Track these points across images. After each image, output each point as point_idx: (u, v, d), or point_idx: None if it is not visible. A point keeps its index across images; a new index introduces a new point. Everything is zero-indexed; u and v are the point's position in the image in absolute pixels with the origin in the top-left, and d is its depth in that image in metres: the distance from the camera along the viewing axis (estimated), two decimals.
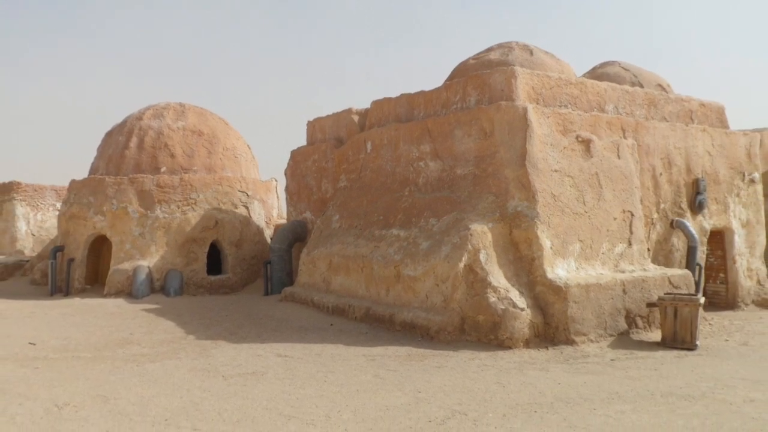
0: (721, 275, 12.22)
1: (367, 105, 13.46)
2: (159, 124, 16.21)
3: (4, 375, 6.71)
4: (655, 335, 8.85)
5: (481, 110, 9.82)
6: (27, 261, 18.44)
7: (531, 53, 11.62)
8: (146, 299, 13.42)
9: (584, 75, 13.35)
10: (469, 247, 8.73)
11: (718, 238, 12.23)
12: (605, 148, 10.06)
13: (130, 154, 15.71)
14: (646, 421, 5.08)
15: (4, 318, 11.00)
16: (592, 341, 8.36)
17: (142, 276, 13.83)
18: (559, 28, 69.01)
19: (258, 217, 16.44)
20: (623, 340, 8.61)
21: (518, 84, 9.86)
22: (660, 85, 12.77)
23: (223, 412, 5.39)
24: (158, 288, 14.14)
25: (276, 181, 18.14)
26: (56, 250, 15.02)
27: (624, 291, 9.01)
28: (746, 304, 11.98)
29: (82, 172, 31.15)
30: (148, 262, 14.27)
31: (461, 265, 8.64)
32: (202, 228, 14.97)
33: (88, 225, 14.77)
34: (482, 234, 8.88)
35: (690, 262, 10.92)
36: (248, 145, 18.05)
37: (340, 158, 13.35)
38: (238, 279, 15.30)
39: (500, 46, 12.05)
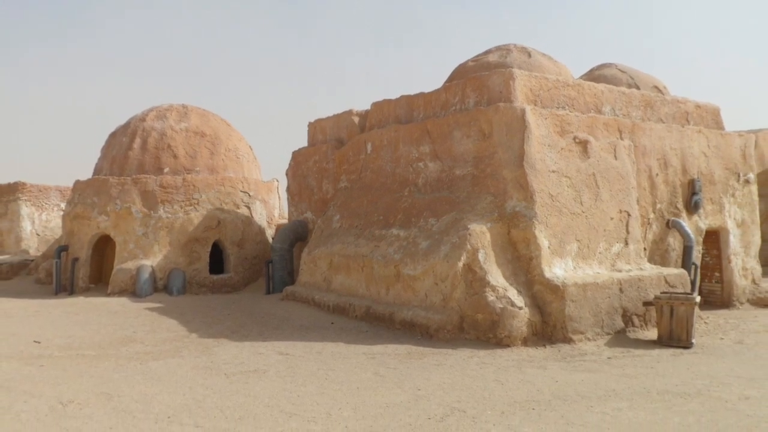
0: (717, 274, 12.22)
1: (367, 106, 13.48)
2: (162, 125, 16.21)
3: (10, 373, 6.71)
4: (652, 334, 8.85)
5: (479, 112, 9.82)
6: (32, 260, 18.45)
7: (529, 55, 11.62)
8: (149, 298, 13.42)
9: (581, 77, 13.35)
10: (468, 246, 8.73)
11: (714, 238, 12.23)
12: (602, 149, 10.06)
13: (134, 155, 15.71)
14: (642, 418, 5.09)
15: (10, 317, 11.00)
16: (589, 339, 8.37)
17: (146, 275, 13.84)
18: (557, 31, 69.03)
19: (260, 217, 16.44)
20: (620, 338, 8.62)
21: (516, 86, 9.86)
22: (656, 87, 12.78)
23: (225, 409, 5.39)
24: (161, 287, 14.15)
25: (277, 181, 18.15)
26: (61, 249, 15.02)
27: (621, 290, 9.01)
28: (741, 303, 11.98)
29: (86, 173, 31.16)
30: (152, 261, 14.28)
31: (460, 264, 8.64)
32: (204, 228, 14.98)
33: (92, 225, 14.77)
34: (481, 234, 8.88)
35: (686, 262, 10.93)
36: (250, 146, 18.05)
37: (341, 159, 13.35)
38: (240, 278, 15.31)
39: (498, 48, 12.05)
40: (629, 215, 10.08)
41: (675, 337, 8.27)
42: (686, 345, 8.15)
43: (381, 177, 11.78)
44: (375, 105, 12.89)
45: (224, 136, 16.82)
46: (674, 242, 11.22)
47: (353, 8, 72.26)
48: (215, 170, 16.12)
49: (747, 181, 12.67)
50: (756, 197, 12.88)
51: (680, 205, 11.44)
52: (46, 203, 23.42)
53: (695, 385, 6.11)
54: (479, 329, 8.33)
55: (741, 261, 12.29)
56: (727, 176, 12.31)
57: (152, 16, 68.46)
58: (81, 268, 14.69)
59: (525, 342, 8.13)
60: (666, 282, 9.56)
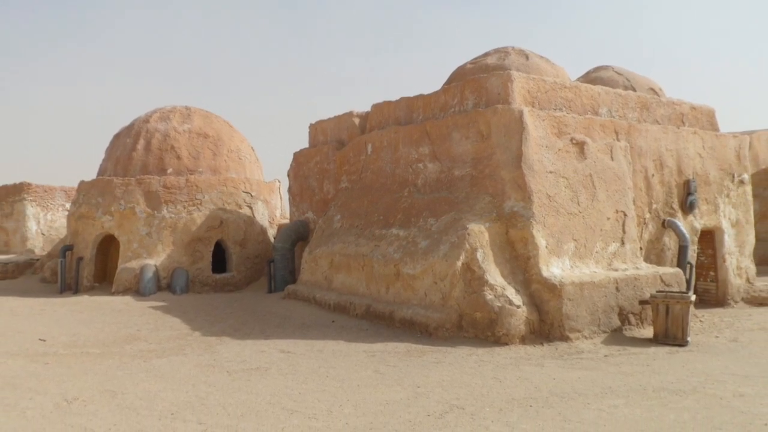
0: (712, 273, 12.21)
1: (367, 108, 13.47)
2: (165, 126, 16.21)
3: (15, 370, 6.71)
4: (648, 332, 8.85)
5: (478, 113, 9.82)
6: (37, 260, 18.43)
7: (527, 58, 11.61)
8: (153, 297, 13.42)
9: (578, 79, 13.35)
10: (467, 246, 8.73)
11: (709, 238, 12.22)
12: (599, 150, 10.06)
13: (138, 156, 15.71)
14: (638, 415, 5.08)
15: (15, 315, 11.00)
16: (586, 338, 8.36)
17: (149, 274, 13.83)
18: (554, 34, 69.02)
19: (262, 217, 16.44)
20: (616, 336, 8.62)
21: (514, 88, 9.86)
22: (652, 89, 12.77)
23: (227, 406, 5.39)
24: (165, 286, 14.14)
25: (279, 182, 18.14)
26: (65, 249, 15.02)
27: (617, 289, 9.00)
28: (736, 302, 11.98)
29: (90, 174, 31.14)
30: (155, 260, 14.27)
31: (459, 263, 8.64)
32: (207, 228, 14.97)
33: (96, 225, 14.77)
34: (479, 233, 8.88)
35: (681, 261, 10.92)
36: (252, 147, 18.04)
37: (342, 160, 13.34)
38: (243, 277, 15.30)
39: (497, 50, 12.04)
40: (625, 215, 10.08)
41: (671, 335, 8.27)
42: (682, 343, 8.15)
43: (381, 177, 11.77)
44: (375, 107, 12.89)
45: (227, 138, 16.82)
46: (670, 242, 11.22)
47: (354, 12, 72.27)
48: (218, 171, 16.11)
49: (741, 182, 12.67)
50: (750, 197, 12.88)
51: (676, 205, 11.43)
52: (51, 203, 23.42)
53: (690, 383, 6.11)
54: (478, 327, 8.33)
55: (735, 260, 12.29)
56: (721, 177, 12.31)
57: (156, 19, 68.47)
58: (85, 267, 14.69)
59: (523, 340, 8.13)
60: (662, 281, 9.56)
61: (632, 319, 9.03)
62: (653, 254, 10.98)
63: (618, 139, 10.52)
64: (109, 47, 65.95)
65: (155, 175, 15.23)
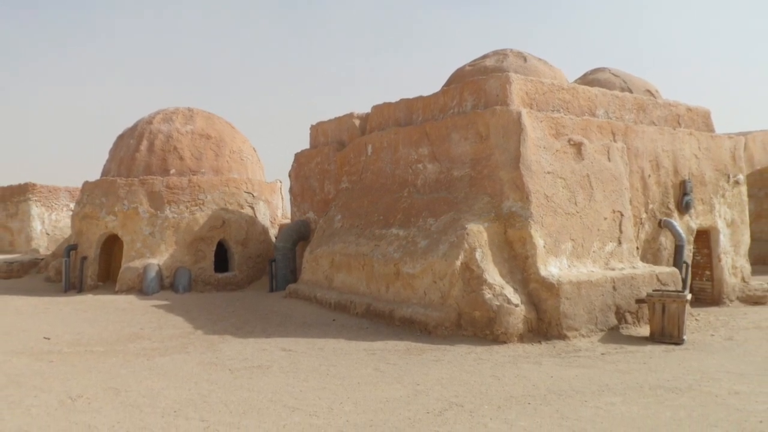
0: (707, 273, 12.21)
1: (367, 109, 13.46)
2: (168, 127, 16.21)
3: (20, 368, 6.71)
4: (644, 330, 8.85)
5: (477, 115, 9.82)
6: (42, 259, 18.43)
7: (525, 60, 11.60)
8: (156, 296, 13.42)
9: (576, 81, 13.34)
10: (466, 245, 8.73)
11: (704, 237, 12.22)
12: (596, 150, 10.06)
13: (141, 157, 15.70)
14: (635, 412, 5.08)
15: (20, 313, 11.00)
16: (583, 336, 8.36)
17: (152, 273, 13.83)
18: (552, 36, 69.00)
19: (263, 217, 16.43)
20: (613, 334, 8.62)
21: (513, 89, 9.85)
22: (648, 91, 12.77)
23: (229, 403, 5.39)
24: (167, 285, 14.14)
25: (280, 182, 18.14)
26: (70, 248, 15.01)
27: (614, 288, 9.00)
28: (731, 301, 11.98)
29: (94, 174, 31.13)
30: (158, 260, 14.27)
31: (458, 263, 8.64)
32: (209, 227, 14.97)
33: (100, 225, 14.77)
34: (478, 233, 8.88)
35: (677, 260, 10.92)
36: (254, 148, 18.04)
37: (342, 161, 13.34)
38: (244, 276, 15.30)
39: (495, 53, 12.04)
40: (622, 215, 10.08)
41: (667, 333, 8.27)
42: (678, 341, 8.15)
43: (381, 178, 11.77)
44: (375, 108, 12.89)
45: (229, 139, 16.81)
46: (666, 241, 11.22)
47: (354, 14, 72.25)
48: (220, 171, 16.11)
49: (737, 182, 12.67)
50: (745, 198, 12.88)
51: (672, 206, 11.43)
52: (55, 203, 23.42)
53: (686, 381, 6.11)
54: (476, 326, 8.33)
55: (731, 260, 12.29)
56: (717, 177, 12.31)
57: (159, 21, 68.46)
58: (89, 266, 14.69)
59: (521, 338, 8.13)
60: (658, 280, 9.56)
61: (629, 317, 9.03)
62: (650, 254, 10.98)
63: (615, 140, 10.52)
64: (112, 49, 65.95)
65: (158, 176, 15.22)
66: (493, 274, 8.61)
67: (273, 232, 16.55)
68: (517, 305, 8.21)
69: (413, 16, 71.55)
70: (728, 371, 6.53)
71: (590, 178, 9.82)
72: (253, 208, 16.12)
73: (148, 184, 14.85)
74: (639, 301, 8.97)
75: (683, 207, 11.53)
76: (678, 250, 11.03)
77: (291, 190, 15.77)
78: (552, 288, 8.44)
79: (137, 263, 14.12)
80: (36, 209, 22.68)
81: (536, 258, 8.76)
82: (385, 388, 5.88)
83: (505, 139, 9.38)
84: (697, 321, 9.88)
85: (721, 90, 58.66)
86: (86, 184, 15.62)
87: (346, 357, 7.32)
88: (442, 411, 5.16)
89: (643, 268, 9.77)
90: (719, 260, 12.09)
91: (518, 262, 8.98)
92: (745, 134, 13.37)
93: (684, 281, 10.25)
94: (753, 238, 13.86)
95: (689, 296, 8.54)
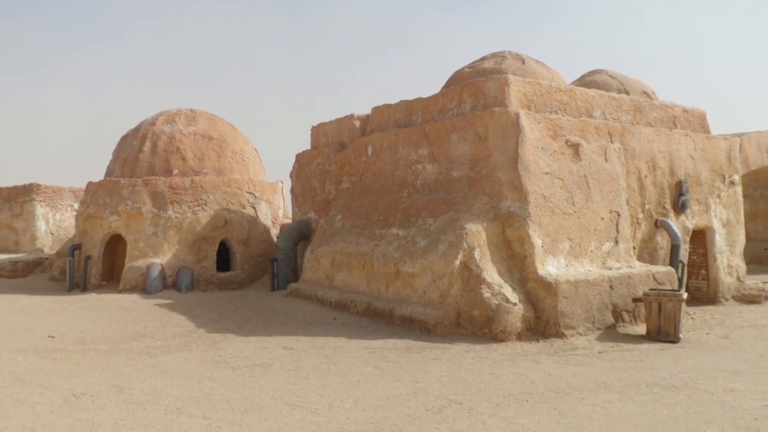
0: (703, 272, 12.21)
1: (368, 111, 13.46)
2: (171, 129, 16.21)
3: (25, 366, 6.71)
4: (641, 329, 8.85)
5: (475, 116, 9.82)
6: (46, 258, 18.44)
7: (523, 62, 11.61)
8: (159, 295, 13.42)
9: (573, 82, 13.34)
10: (465, 245, 8.73)
11: (700, 237, 12.22)
12: (593, 151, 10.06)
13: (144, 158, 15.70)
14: (631, 409, 5.09)
15: (25, 312, 11.00)
16: (580, 334, 8.36)
17: (155, 273, 13.83)
18: (550, 38, 68.99)
19: (265, 217, 16.43)
20: (610, 333, 8.62)
21: (511, 91, 9.86)
22: (645, 92, 12.76)
23: (231, 401, 5.39)
24: (170, 284, 14.14)
25: (282, 183, 18.14)
26: (74, 248, 15.01)
27: (611, 287, 9.00)
28: (726, 300, 11.97)
29: (98, 175, 31.15)
30: (161, 259, 14.27)
31: (457, 262, 8.64)
32: (212, 227, 14.97)
33: (104, 224, 14.77)
34: (477, 233, 8.88)
35: (673, 260, 10.92)
36: (255, 149, 18.04)
37: (343, 161, 13.34)
38: (246, 275, 15.30)
39: (494, 55, 12.04)
40: (619, 215, 10.08)
41: (663, 332, 8.27)
42: (674, 340, 8.15)
43: (381, 178, 11.77)
44: (375, 109, 12.89)
45: (231, 140, 16.81)
46: (662, 241, 11.22)
47: (355, 17, 72.25)
48: (222, 172, 16.11)
49: (732, 183, 12.67)
50: (741, 198, 12.88)
51: (668, 206, 11.43)
52: (59, 204, 23.42)
53: (682, 378, 6.11)
54: (475, 324, 8.33)
55: (726, 259, 12.29)
56: (713, 178, 12.31)
57: (161, 24, 68.45)
58: (93, 265, 14.69)
59: (519, 337, 8.13)
60: (654, 279, 9.56)
61: (626, 316, 9.03)
62: (646, 253, 10.98)
63: (612, 141, 10.52)
64: (115, 51, 65.96)
65: (161, 176, 15.22)
66: (491, 274, 8.61)
67: (274, 232, 16.55)
68: (515, 304, 8.22)
69: (413, 18, 71.55)
70: (724, 369, 6.53)
71: (587, 179, 9.82)
72: (254, 208, 16.12)
73: (152, 185, 14.85)
74: (636, 300, 8.97)
75: (679, 207, 11.53)
76: (674, 249, 11.03)
77: (292, 191, 15.77)
78: (550, 287, 8.44)
79: (140, 263, 14.12)
80: (40, 209, 22.68)
81: (534, 257, 8.76)
82: (385, 386, 5.88)
83: (504, 140, 9.39)
84: (693, 320, 9.88)
85: (716, 92, 58.68)
86: (90, 184, 15.62)
87: (346, 355, 7.32)
88: (442, 408, 5.16)
89: (639, 268, 9.77)
90: (715, 260, 12.10)
91: (516, 262, 8.98)
92: (740, 135, 13.37)
93: (680, 280, 10.26)
94: (748, 238, 13.87)
95: (685, 295, 8.54)
